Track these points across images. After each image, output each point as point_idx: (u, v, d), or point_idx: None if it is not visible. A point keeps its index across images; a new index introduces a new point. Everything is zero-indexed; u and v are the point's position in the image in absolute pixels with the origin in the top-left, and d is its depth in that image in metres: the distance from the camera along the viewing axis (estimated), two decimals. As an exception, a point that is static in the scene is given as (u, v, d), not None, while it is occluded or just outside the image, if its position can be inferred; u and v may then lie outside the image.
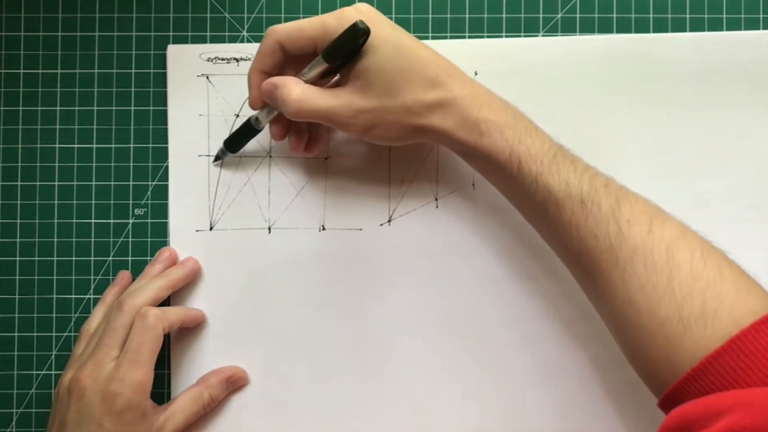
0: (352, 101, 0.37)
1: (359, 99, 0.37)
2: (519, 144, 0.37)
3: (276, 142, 0.44)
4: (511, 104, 0.38)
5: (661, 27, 0.44)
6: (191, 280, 0.43)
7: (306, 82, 0.38)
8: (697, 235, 0.36)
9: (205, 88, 0.44)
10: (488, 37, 0.44)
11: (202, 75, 0.44)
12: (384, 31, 0.37)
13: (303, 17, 0.44)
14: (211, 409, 0.42)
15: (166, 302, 0.43)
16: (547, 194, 0.36)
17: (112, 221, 0.44)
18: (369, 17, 0.37)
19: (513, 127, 0.37)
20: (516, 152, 0.36)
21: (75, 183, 0.44)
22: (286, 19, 0.44)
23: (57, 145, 0.44)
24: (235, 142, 0.43)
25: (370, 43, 0.36)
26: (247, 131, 0.42)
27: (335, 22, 0.37)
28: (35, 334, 0.44)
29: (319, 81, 0.39)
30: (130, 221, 0.44)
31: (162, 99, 0.44)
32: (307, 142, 0.42)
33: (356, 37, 0.36)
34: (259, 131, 0.42)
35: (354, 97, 0.37)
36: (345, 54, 0.37)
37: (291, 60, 0.39)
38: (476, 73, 0.44)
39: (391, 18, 0.44)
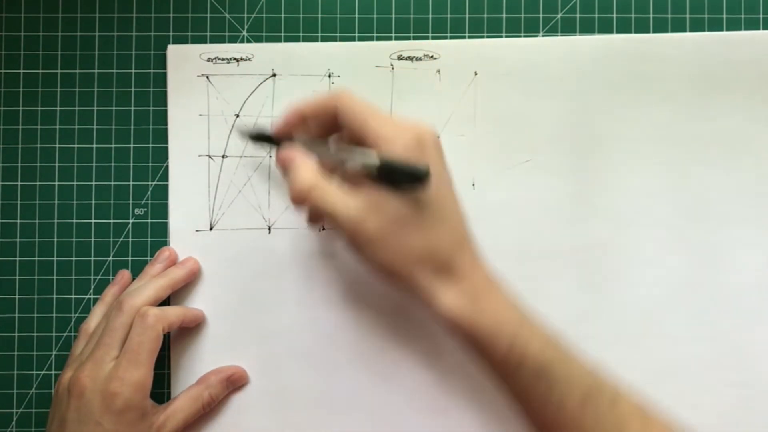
0: (374, 201, 0.35)
1: (382, 204, 0.35)
2: (518, 338, 0.36)
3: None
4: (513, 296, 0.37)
5: (661, 27, 0.44)
6: (191, 280, 0.43)
7: (327, 163, 0.37)
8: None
9: (205, 88, 0.44)
10: (488, 37, 0.44)
11: (202, 75, 0.44)
12: (438, 171, 0.36)
13: (303, 17, 0.44)
14: (211, 408, 0.42)
15: (165, 302, 0.43)
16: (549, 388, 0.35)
17: (112, 221, 0.44)
18: (432, 155, 0.36)
19: (516, 322, 0.36)
20: (517, 349, 0.35)
21: (75, 183, 0.44)
22: (286, 20, 0.44)
23: (57, 145, 0.44)
24: (258, 139, 0.41)
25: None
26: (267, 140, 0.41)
27: (401, 144, 0.35)
28: (35, 334, 0.44)
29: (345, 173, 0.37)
30: (130, 221, 0.44)
31: (162, 99, 0.44)
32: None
33: (414, 180, 0.34)
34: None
35: (378, 199, 0.35)
36: (392, 181, 0.35)
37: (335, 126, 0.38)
38: (476, 73, 0.44)
39: (390, 18, 0.44)
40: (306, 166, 0.37)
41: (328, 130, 0.38)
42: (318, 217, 0.40)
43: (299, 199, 0.36)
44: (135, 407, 0.38)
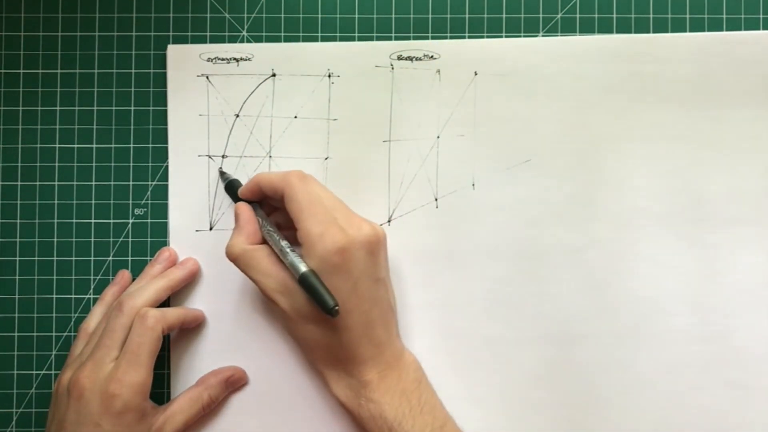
0: (290, 287, 0.38)
1: (295, 295, 0.38)
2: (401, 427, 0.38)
3: (276, 142, 0.44)
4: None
5: (661, 27, 0.44)
6: (191, 280, 0.43)
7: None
8: None
9: (205, 88, 0.44)
10: (488, 37, 0.44)
11: (202, 75, 0.44)
12: (356, 277, 0.38)
13: (303, 17, 0.44)
14: (210, 410, 0.42)
15: (165, 303, 0.43)
16: None
17: (112, 221, 0.44)
18: (354, 264, 0.38)
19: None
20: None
21: (75, 183, 0.44)
22: (286, 20, 0.44)
23: (57, 145, 0.44)
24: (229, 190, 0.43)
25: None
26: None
27: (320, 251, 0.37)
28: (35, 334, 0.44)
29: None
30: (130, 221, 0.44)
31: (162, 99, 0.44)
32: None
33: (322, 308, 0.37)
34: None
35: (293, 288, 0.38)
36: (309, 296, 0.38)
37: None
38: (476, 73, 0.44)
39: (390, 18, 0.44)
40: (242, 232, 0.40)
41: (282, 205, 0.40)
42: None
43: (230, 258, 0.40)
44: (134, 408, 0.38)
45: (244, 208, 0.41)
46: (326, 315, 0.37)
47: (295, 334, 0.41)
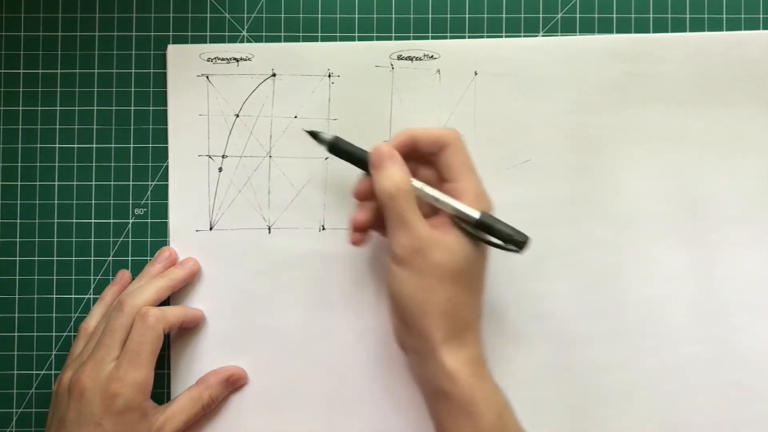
0: (447, 240, 0.36)
1: (453, 247, 0.37)
2: (506, 411, 0.37)
3: (276, 142, 0.44)
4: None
5: (661, 27, 0.44)
6: (191, 280, 0.43)
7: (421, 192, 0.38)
8: None
9: (205, 88, 0.44)
10: (488, 37, 0.44)
11: (202, 75, 0.44)
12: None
13: (303, 17, 0.44)
14: (211, 409, 0.42)
15: (165, 302, 0.43)
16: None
17: (112, 221, 0.44)
18: None
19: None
20: (503, 421, 0.37)
21: (75, 183, 0.44)
22: (286, 20, 0.44)
23: (57, 145, 0.44)
24: (343, 154, 0.39)
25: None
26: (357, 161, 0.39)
27: (485, 206, 0.38)
28: (35, 334, 0.44)
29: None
30: (130, 221, 0.44)
31: (162, 99, 0.44)
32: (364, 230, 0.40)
33: (513, 243, 0.37)
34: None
35: (451, 241, 0.36)
36: (482, 236, 0.37)
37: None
38: (476, 73, 0.44)
39: (390, 18, 0.44)
40: (404, 168, 0.38)
41: (424, 161, 0.39)
42: (378, 221, 0.39)
43: (385, 196, 0.37)
44: (135, 408, 0.38)
45: (393, 149, 0.38)
46: (512, 250, 0.37)
47: (422, 294, 0.36)
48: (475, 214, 0.37)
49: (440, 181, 0.39)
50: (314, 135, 0.40)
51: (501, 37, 0.44)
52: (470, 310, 0.37)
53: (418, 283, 0.36)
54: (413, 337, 0.37)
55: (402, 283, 0.37)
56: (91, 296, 0.44)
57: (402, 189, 0.37)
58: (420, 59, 0.44)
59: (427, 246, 0.36)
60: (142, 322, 0.39)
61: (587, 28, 0.44)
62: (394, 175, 0.37)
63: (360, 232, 0.40)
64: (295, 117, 0.44)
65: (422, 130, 0.39)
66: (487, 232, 0.37)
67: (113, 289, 0.43)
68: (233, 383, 0.43)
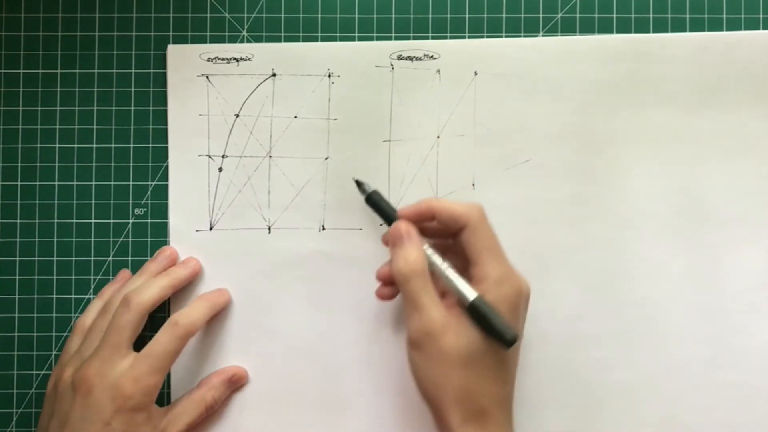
0: (457, 326, 0.36)
1: (462, 333, 0.36)
2: None
3: (276, 142, 0.44)
4: None
5: (661, 27, 0.44)
6: (193, 280, 0.43)
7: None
8: None
9: (205, 88, 0.44)
10: (488, 37, 0.44)
11: (202, 75, 0.44)
12: (519, 332, 0.37)
13: (303, 17, 0.44)
14: (214, 410, 0.42)
15: (164, 303, 0.43)
16: None
17: (112, 221, 0.44)
18: (522, 315, 0.37)
19: None
20: None
21: (75, 183, 0.44)
22: (286, 20, 0.44)
23: (57, 145, 0.44)
24: (375, 207, 0.40)
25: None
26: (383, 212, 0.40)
27: (504, 294, 0.36)
28: (35, 334, 0.44)
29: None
30: (130, 221, 0.44)
31: (162, 99, 0.44)
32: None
33: (498, 338, 0.35)
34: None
35: (461, 326, 0.36)
36: (477, 322, 0.36)
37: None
38: (476, 73, 0.44)
39: (390, 18, 0.44)
40: (420, 249, 0.37)
41: (443, 234, 0.39)
42: (396, 293, 0.40)
43: (400, 278, 0.37)
44: (143, 409, 0.38)
45: (411, 227, 0.38)
46: (504, 345, 0.35)
47: (437, 379, 0.36)
48: (470, 297, 0.36)
49: (464, 261, 0.38)
50: (359, 184, 0.41)
51: (501, 37, 0.44)
52: (489, 397, 0.36)
53: (432, 368, 0.36)
54: (434, 416, 0.37)
55: (417, 367, 0.37)
56: (91, 296, 0.44)
57: (416, 270, 0.36)
58: (420, 59, 0.44)
59: (439, 330, 0.36)
60: (172, 330, 0.39)
61: (587, 28, 0.44)
62: (409, 256, 0.37)
63: (388, 286, 0.40)
64: (295, 117, 0.44)
65: (443, 204, 0.38)
66: (478, 319, 0.36)
67: (113, 287, 0.43)
68: (235, 383, 0.43)
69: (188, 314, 0.40)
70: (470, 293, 0.36)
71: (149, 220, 0.44)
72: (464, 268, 0.38)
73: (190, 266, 0.43)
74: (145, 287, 0.40)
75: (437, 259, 0.38)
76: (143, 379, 0.38)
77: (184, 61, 0.44)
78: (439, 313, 0.36)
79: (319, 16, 0.44)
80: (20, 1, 0.45)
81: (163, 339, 0.39)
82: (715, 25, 0.44)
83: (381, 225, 0.43)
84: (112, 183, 0.44)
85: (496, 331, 0.35)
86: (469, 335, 0.36)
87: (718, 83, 0.43)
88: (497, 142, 0.44)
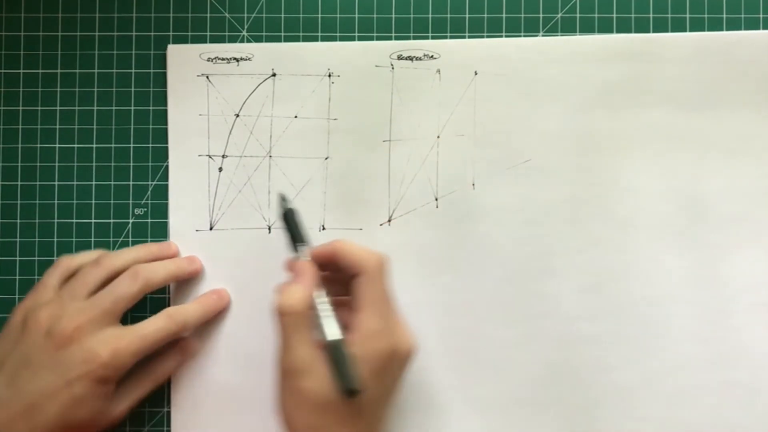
0: (317, 366, 0.35)
1: (319, 374, 0.35)
2: None
3: (276, 142, 0.44)
4: None
5: (661, 27, 0.44)
6: (194, 277, 0.43)
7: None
8: None
9: (205, 88, 0.44)
10: (488, 37, 0.44)
11: (202, 75, 0.44)
12: (387, 388, 0.37)
13: (303, 17, 0.44)
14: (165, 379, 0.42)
15: (143, 301, 0.43)
16: None
17: (112, 221, 0.44)
18: (393, 373, 0.37)
19: None
20: None
21: (75, 183, 0.44)
22: (286, 20, 0.44)
23: (57, 145, 0.44)
24: (287, 227, 0.40)
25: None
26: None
27: (373, 349, 0.35)
28: (35, 334, 0.44)
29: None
30: (130, 221, 0.44)
31: (162, 99, 0.44)
32: None
33: (341, 387, 0.34)
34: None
35: (319, 367, 0.35)
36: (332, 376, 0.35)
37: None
38: (476, 73, 0.44)
39: (390, 18, 0.44)
40: (307, 290, 0.36)
41: (343, 282, 0.38)
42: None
43: (277, 311, 0.36)
44: (109, 383, 0.37)
45: (312, 269, 0.37)
46: (342, 393, 0.34)
47: (289, 414, 0.36)
48: (330, 337, 0.35)
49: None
50: (282, 198, 0.40)
51: (501, 37, 0.44)
52: None
53: (288, 402, 0.36)
54: None
55: (277, 396, 0.36)
56: (91, 296, 0.44)
57: (294, 307, 0.35)
58: (420, 59, 0.44)
59: (301, 370, 0.35)
60: (165, 320, 0.39)
61: (587, 28, 0.44)
62: (295, 294, 0.36)
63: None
64: (295, 117, 0.44)
65: (347, 248, 0.37)
66: (330, 362, 0.35)
67: (132, 254, 0.41)
68: (186, 352, 0.43)
69: (183, 312, 0.40)
70: (330, 335, 0.35)
71: (149, 220, 0.44)
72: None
73: (195, 263, 0.43)
74: (155, 266, 0.40)
75: (321, 304, 0.37)
76: (121, 354, 0.37)
77: (184, 61, 0.44)
78: (305, 353, 0.35)
79: (319, 16, 0.44)
80: (20, 1, 0.45)
81: (153, 325, 0.39)
82: (715, 25, 0.44)
83: (381, 225, 0.43)
84: (112, 183, 0.44)
85: (338, 377, 0.35)
86: (329, 381, 0.35)
87: (718, 83, 0.43)
88: (497, 142, 0.44)
